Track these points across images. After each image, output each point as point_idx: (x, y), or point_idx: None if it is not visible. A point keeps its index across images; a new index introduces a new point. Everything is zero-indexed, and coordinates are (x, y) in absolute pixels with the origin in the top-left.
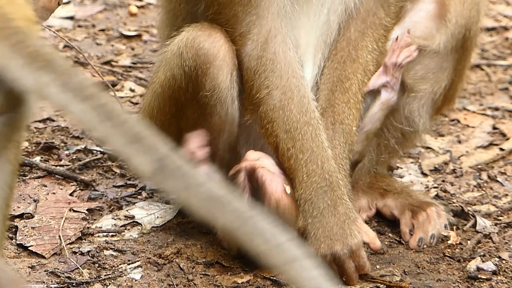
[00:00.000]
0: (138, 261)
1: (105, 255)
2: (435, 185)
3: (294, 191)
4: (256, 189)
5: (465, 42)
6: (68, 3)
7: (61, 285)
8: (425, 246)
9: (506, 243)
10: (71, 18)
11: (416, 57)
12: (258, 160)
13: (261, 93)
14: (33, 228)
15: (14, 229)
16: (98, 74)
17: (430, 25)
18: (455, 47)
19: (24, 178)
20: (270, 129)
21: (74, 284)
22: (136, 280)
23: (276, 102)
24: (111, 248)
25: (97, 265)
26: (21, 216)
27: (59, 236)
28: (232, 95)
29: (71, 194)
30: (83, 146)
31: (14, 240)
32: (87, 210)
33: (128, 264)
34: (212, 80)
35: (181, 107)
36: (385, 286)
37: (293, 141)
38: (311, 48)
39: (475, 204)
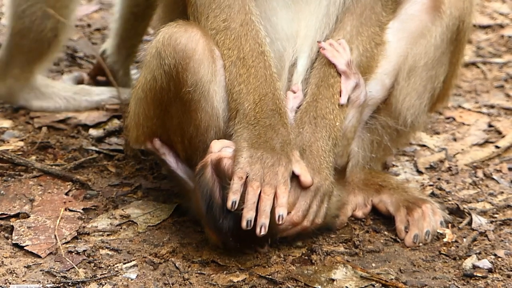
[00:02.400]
0: (133, 260)
1: (101, 254)
2: (431, 183)
3: (243, 115)
4: (224, 180)
5: (459, 34)
6: None
7: (57, 285)
8: (420, 243)
9: (502, 240)
10: None
11: (418, 52)
12: (222, 151)
13: (218, 25)
14: (28, 227)
15: (9, 229)
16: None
17: (425, 17)
18: (449, 39)
19: (19, 177)
20: (226, 53)
21: (70, 284)
22: (131, 279)
23: (233, 33)
24: (106, 248)
25: (92, 264)
26: (16, 216)
27: (55, 235)
28: (214, 89)
29: (66, 194)
30: (78, 146)
31: (9, 240)
32: (82, 209)
33: (124, 263)
34: (193, 75)
35: (165, 107)
36: (380, 285)
37: (246, 67)
38: (309, 41)
39: (470, 202)
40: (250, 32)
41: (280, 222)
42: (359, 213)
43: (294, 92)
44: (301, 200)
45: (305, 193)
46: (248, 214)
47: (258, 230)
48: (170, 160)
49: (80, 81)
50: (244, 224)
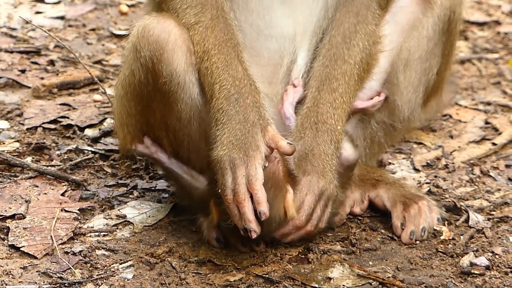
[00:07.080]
0: (130, 260)
1: (97, 254)
2: (428, 181)
3: (215, 109)
4: None
5: (450, 24)
6: (58, 2)
7: (54, 285)
8: (417, 240)
9: (499, 238)
10: (62, 18)
11: (412, 44)
12: None
13: (190, 21)
14: (25, 228)
15: (5, 230)
16: (90, 73)
17: (416, 9)
18: (441, 30)
19: (15, 178)
20: (195, 49)
21: (66, 284)
22: (128, 280)
23: (202, 26)
24: (103, 248)
25: (89, 265)
26: (12, 217)
27: (51, 236)
28: (191, 79)
29: (62, 194)
30: (74, 146)
31: (5, 241)
32: (78, 210)
33: (120, 264)
34: (168, 66)
35: (146, 102)
36: (377, 283)
37: (210, 58)
38: (308, 35)
39: (467, 199)
40: (219, 24)
41: (262, 219)
42: (357, 209)
43: (295, 86)
44: (305, 204)
45: (310, 197)
46: (239, 225)
47: (249, 235)
48: (162, 156)
49: None
50: (242, 233)
